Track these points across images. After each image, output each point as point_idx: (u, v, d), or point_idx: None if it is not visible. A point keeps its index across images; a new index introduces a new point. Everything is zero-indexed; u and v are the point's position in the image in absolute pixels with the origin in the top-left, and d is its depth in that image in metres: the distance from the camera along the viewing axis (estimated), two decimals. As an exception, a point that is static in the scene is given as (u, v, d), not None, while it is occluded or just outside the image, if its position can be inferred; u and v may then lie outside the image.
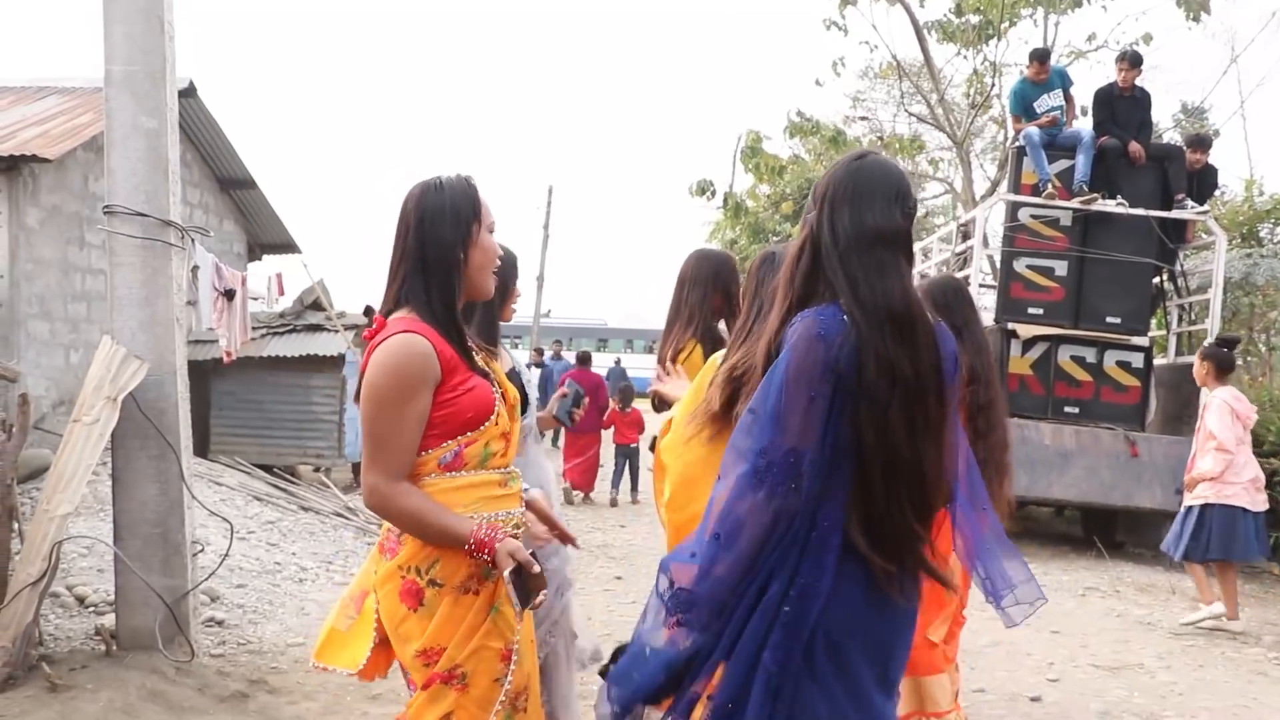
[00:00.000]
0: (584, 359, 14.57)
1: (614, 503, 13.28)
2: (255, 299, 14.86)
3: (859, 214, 2.30)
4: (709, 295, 4.05)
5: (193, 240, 5.40)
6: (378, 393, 2.46)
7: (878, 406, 2.20)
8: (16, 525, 5.19)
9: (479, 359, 2.64)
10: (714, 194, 19.72)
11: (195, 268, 5.35)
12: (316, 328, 12.47)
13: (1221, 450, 7.22)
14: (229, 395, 12.22)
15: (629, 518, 12.27)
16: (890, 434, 2.21)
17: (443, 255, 2.54)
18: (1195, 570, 7.51)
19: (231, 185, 13.94)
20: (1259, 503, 7.28)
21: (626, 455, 13.55)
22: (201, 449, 12.06)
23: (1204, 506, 7.30)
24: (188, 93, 12.06)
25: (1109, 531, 10.79)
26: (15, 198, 9.59)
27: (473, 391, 2.54)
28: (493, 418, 2.58)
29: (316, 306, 12.67)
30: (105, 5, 5.14)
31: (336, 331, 12.23)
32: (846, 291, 2.26)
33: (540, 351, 22.29)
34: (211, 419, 12.24)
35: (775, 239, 24.86)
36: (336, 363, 12.15)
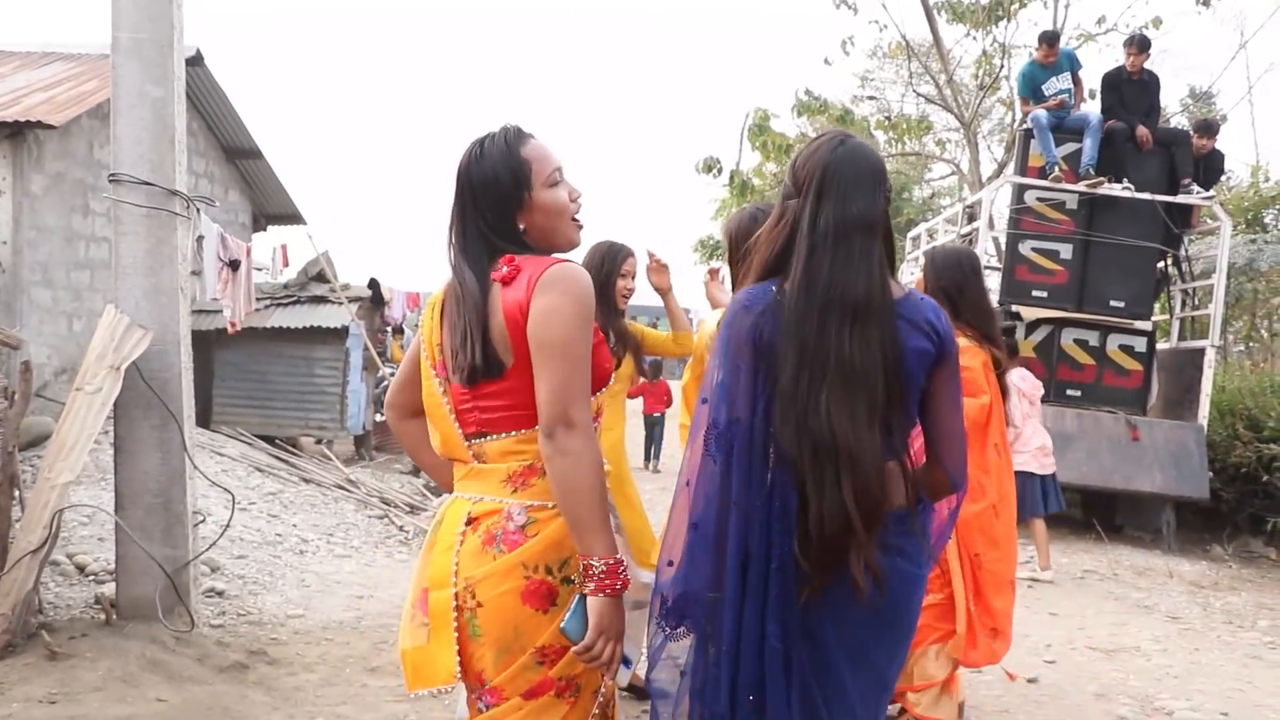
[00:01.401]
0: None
1: (655, 470, 14.14)
2: (260, 270, 14.83)
3: (844, 203, 2.29)
4: None
5: (198, 210, 5.38)
6: (570, 313, 2.16)
7: (800, 388, 2.22)
8: (18, 493, 5.20)
9: None
10: (720, 171, 19.60)
11: (200, 237, 5.33)
12: (320, 299, 12.45)
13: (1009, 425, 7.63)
14: (232, 366, 12.22)
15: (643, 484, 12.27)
16: (818, 418, 2.20)
17: (501, 228, 2.30)
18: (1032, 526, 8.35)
19: (237, 155, 13.88)
20: (1046, 466, 8.35)
21: (652, 425, 14.42)
22: (204, 419, 12.08)
23: None
24: (194, 61, 11.99)
25: (1109, 515, 10.81)
26: (19, 164, 9.56)
27: (602, 345, 2.33)
28: (613, 378, 2.46)
29: (321, 278, 12.65)
30: (112, -28, 5.11)
31: (340, 304, 12.22)
32: (799, 274, 2.27)
33: None
34: (214, 389, 12.24)
35: (781, 217, 24.72)
36: (340, 335, 12.14)
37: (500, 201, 2.29)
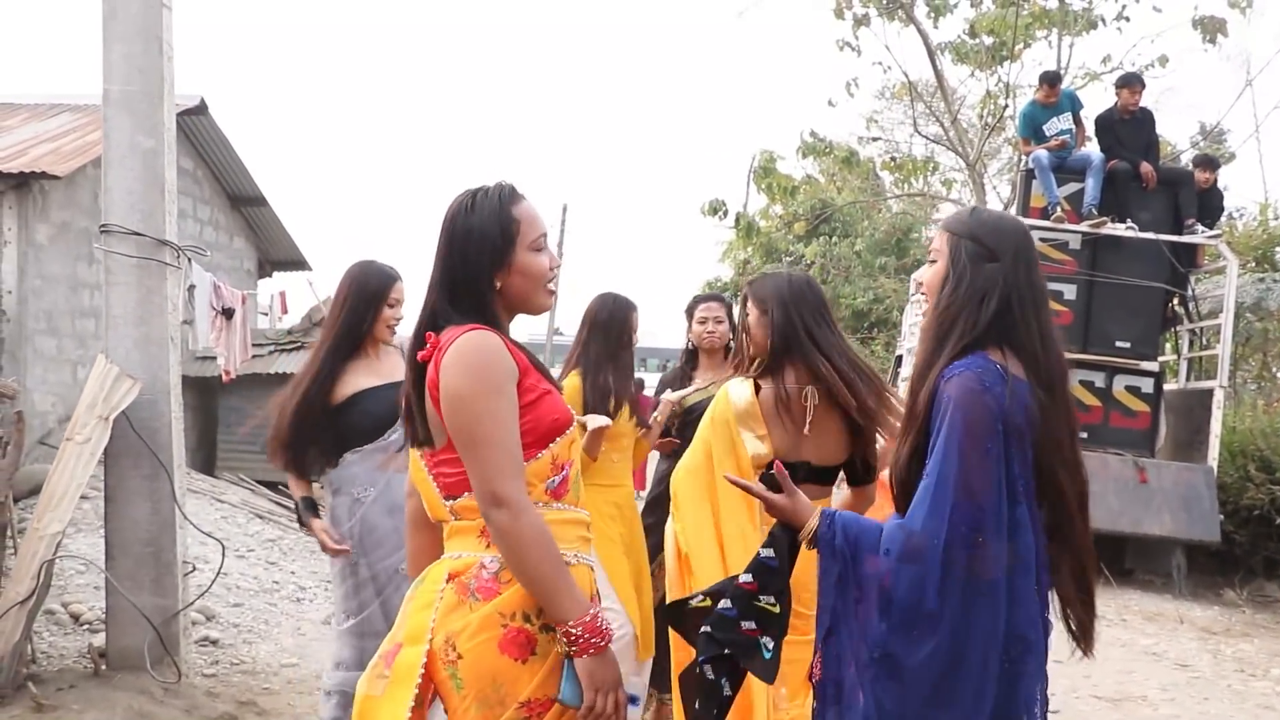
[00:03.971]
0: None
1: None
2: (264, 315, 14.86)
3: (1039, 269, 2.41)
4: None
5: (189, 259, 5.39)
6: (468, 395, 2.15)
7: (1069, 449, 2.35)
8: (12, 542, 5.19)
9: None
10: (726, 214, 19.66)
11: (192, 286, 5.33)
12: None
13: None
14: (235, 412, 12.22)
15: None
16: (1080, 472, 2.37)
17: (472, 285, 2.28)
18: None
19: (242, 202, 13.99)
20: None
21: None
22: (208, 465, 12.08)
23: None
24: (198, 110, 12.12)
25: (1117, 558, 10.69)
26: (24, 214, 9.65)
27: (549, 395, 2.29)
28: (573, 427, 2.33)
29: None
30: (105, 25, 5.15)
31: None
32: (1037, 347, 2.34)
33: None
34: (218, 435, 12.24)
35: (789, 259, 24.85)
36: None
37: (483, 255, 2.27)
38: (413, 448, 2.33)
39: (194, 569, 5.44)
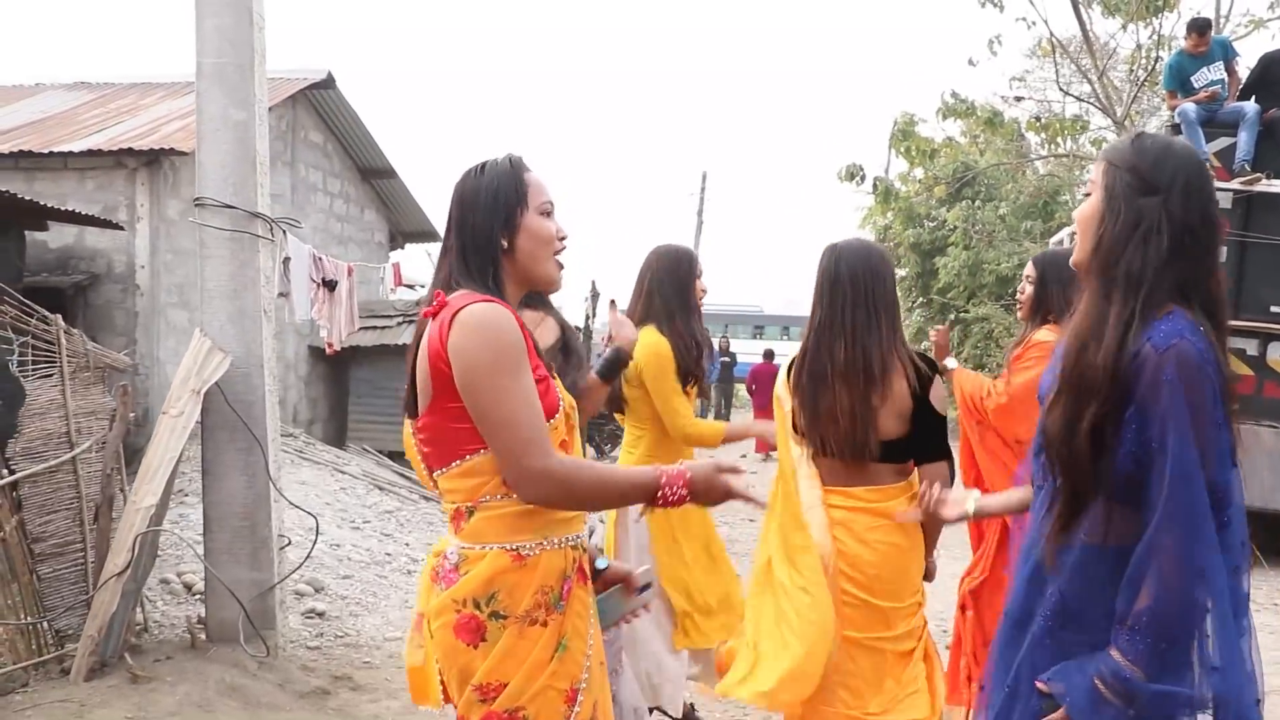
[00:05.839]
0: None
1: None
2: (409, 287, 14.90)
3: (1214, 209, 2.13)
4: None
5: (284, 231, 5.37)
6: (492, 368, 2.15)
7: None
8: (116, 515, 5.26)
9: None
10: (863, 179, 19.12)
11: (287, 259, 5.30)
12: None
13: None
14: (366, 383, 12.42)
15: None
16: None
17: (481, 242, 2.30)
18: None
19: (372, 174, 14.15)
20: None
21: None
22: (339, 438, 12.32)
23: None
24: (326, 84, 12.28)
25: (1271, 538, 10.00)
26: (156, 190, 9.89)
27: (545, 381, 2.28)
28: (561, 413, 2.31)
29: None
30: (197, -2, 5.15)
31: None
32: (1221, 298, 2.12)
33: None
34: (350, 407, 12.46)
35: (930, 224, 24.09)
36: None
37: (493, 214, 2.31)
38: (407, 417, 2.33)
39: (289, 543, 5.45)
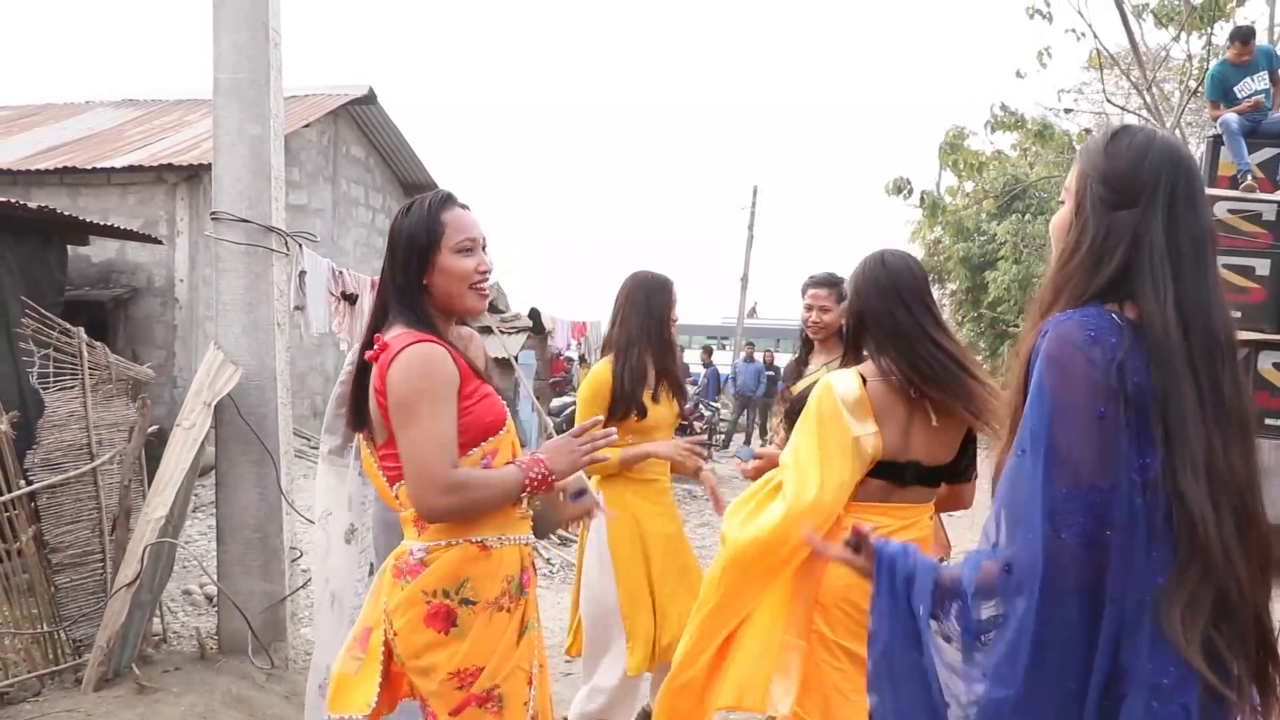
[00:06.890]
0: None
1: None
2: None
3: (1200, 213, 1.79)
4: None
5: (299, 245, 5.40)
6: (413, 401, 2.36)
7: (1212, 446, 1.69)
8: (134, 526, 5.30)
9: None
10: (910, 192, 18.94)
11: (303, 272, 5.33)
12: (485, 329, 12.59)
13: None
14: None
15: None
16: (1228, 472, 1.70)
17: (402, 282, 2.53)
18: None
19: (414, 189, 14.25)
20: None
21: None
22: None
23: None
24: (367, 99, 12.41)
25: None
26: (195, 205, 10.03)
27: (488, 398, 2.52)
28: (506, 426, 2.54)
29: (493, 309, 12.79)
30: (215, 14, 5.20)
31: (508, 334, 12.31)
32: (1169, 300, 1.73)
33: (709, 350, 21.84)
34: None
35: (981, 238, 23.81)
36: (507, 365, 12.23)
37: (412, 257, 2.51)
38: (353, 430, 2.58)
39: (301, 554, 5.46)
